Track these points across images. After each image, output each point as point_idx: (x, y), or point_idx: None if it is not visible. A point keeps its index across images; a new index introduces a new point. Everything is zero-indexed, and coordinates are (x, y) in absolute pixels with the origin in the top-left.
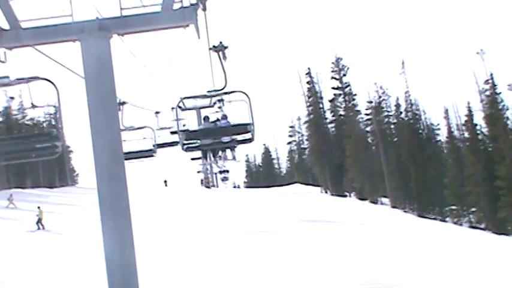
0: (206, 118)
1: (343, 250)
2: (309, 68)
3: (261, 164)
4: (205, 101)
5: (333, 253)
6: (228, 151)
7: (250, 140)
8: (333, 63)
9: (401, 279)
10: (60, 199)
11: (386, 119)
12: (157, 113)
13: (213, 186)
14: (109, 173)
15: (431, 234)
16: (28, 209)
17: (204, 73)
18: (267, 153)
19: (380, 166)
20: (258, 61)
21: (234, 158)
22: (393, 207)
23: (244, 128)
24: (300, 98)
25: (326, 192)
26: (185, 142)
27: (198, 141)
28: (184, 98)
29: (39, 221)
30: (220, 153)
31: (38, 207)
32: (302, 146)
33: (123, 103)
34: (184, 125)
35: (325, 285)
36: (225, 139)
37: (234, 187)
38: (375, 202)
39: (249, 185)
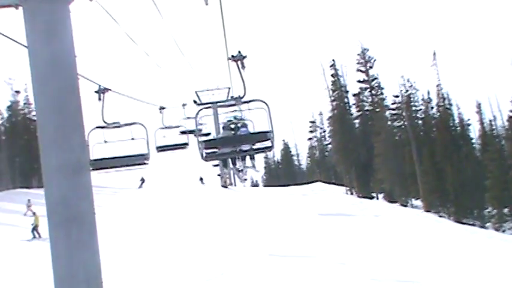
0: (225, 127)
1: (372, 254)
2: (333, 60)
3: (280, 160)
4: (222, 97)
5: (364, 259)
6: (248, 159)
7: (270, 148)
8: (358, 54)
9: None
10: None
11: (414, 114)
12: (162, 108)
13: (231, 184)
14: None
15: (472, 242)
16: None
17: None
18: (286, 149)
19: (412, 166)
20: (279, 53)
21: (253, 166)
22: (427, 211)
23: (264, 136)
24: (322, 92)
25: (351, 193)
26: (205, 151)
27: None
28: (200, 104)
29: (35, 229)
30: (239, 161)
31: (34, 213)
32: (324, 142)
33: (104, 90)
34: (200, 130)
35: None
36: (245, 147)
37: (253, 185)
38: (405, 205)
39: (268, 183)
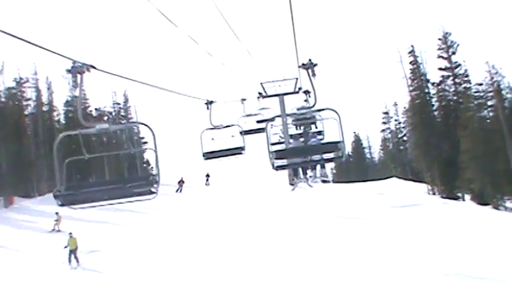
0: (296, 137)
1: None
2: (412, 46)
3: (351, 154)
4: (289, 88)
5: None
6: (318, 168)
7: (340, 158)
8: (439, 39)
9: None
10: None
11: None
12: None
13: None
14: None
15: None
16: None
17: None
18: (357, 142)
19: (506, 163)
20: (351, 40)
21: (324, 175)
22: None
23: (334, 146)
24: (399, 81)
25: (434, 193)
26: (276, 162)
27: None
28: (266, 96)
29: (72, 254)
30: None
31: (70, 234)
32: (399, 135)
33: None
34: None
35: None
36: (315, 157)
37: (323, 181)
38: (498, 208)
39: (338, 178)
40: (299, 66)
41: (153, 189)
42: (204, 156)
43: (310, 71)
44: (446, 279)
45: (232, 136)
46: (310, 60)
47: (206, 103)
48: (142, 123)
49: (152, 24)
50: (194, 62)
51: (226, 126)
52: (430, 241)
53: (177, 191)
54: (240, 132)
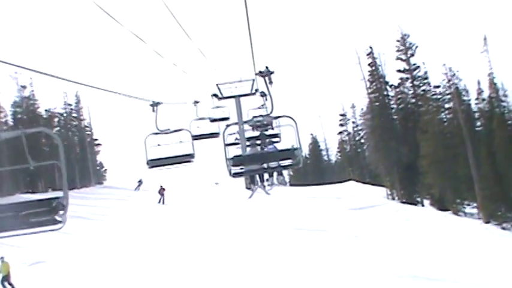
0: (252, 145)
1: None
2: (370, 47)
3: (308, 156)
4: (245, 90)
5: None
6: (275, 175)
7: (297, 165)
8: (398, 41)
9: None
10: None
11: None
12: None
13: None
14: None
15: None
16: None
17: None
18: (315, 144)
19: (467, 169)
20: (308, 41)
21: (282, 182)
22: (486, 222)
23: (291, 153)
24: (357, 83)
25: (393, 197)
26: (233, 169)
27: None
28: (222, 98)
29: (5, 281)
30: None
31: (1, 258)
32: (356, 137)
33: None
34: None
35: None
36: (272, 164)
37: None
38: (457, 213)
39: (295, 180)
40: (256, 74)
41: (58, 218)
42: (148, 164)
43: (267, 78)
44: (400, 280)
45: (181, 142)
46: (267, 67)
47: (151, 105)
48: (43, 130)
49: (97, 22)
50: (144, 62)
51: (174, 131)
52: (388, 244)
53: (159, 202)
54: (192, 137)
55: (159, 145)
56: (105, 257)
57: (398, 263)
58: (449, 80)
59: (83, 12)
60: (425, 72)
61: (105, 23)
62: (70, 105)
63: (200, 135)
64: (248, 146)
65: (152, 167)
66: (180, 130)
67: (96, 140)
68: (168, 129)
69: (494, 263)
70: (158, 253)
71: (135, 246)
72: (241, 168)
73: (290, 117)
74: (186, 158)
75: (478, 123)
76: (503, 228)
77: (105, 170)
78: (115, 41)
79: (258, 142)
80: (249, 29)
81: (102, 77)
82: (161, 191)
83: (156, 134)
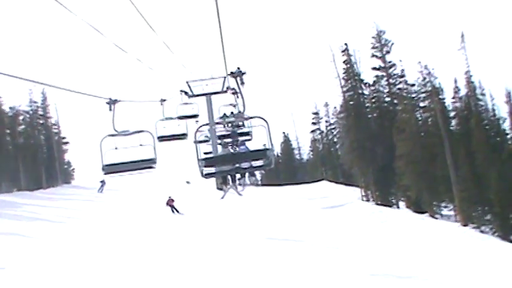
0: (224, 145)
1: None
2: (346, 44)
3: (280, 154)
4: (217, 87)
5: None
6: (247, 175)
7: (269, 165)
8: (373, 37)
9: None
10: (37, 210)
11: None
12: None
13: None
14: None
15: None
16: None
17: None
18: (287, 142)
19: (445, 170)
20: (280, 38)
21: (254, 182)
22: (464, 225)
23: (263, 153)
24: (331, 81)
25: (368, 199)
26: (204, 169)
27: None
28: (192, 96)
29: None
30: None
31: None
32: (329, 136)
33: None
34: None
35: None
36: (244, 165)
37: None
38: (434, 216)
39: (267, 179)
40: (228, 75)
41: None
42: (103, 170)
43: (238, 79)
44: (373, 279)
45: (141, 145)
46: (238, 68)
47: (108, 102)
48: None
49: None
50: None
51: (134, 132)
52: (363, 246)
53: (173, 212)
54: (159, 138)
55: (116, 148)
56: (66, 262)
57: (373, 263)
58: (424, 78)
59: (42, 7)
60: (402, 70)
61: (65, 17)
62: (36, 102)
63: (167, 136)
64: (219, 144)
65: (108, 173)
66: (140, 132)
67: (64, 138)
68: (127, 131)
69: (470, 264)
70: (121, 257)
71: (98, 250)
72: (213, 169)
73: (262, 118)
74: (147, 164)
75: (454, 123)
76: (482, 232)
77: (73, 169)
78: (77, 37)
79: (229, 140)
80: (220, 26)
81: (64, 74)
82: (169, 201)
83: (114, 135)
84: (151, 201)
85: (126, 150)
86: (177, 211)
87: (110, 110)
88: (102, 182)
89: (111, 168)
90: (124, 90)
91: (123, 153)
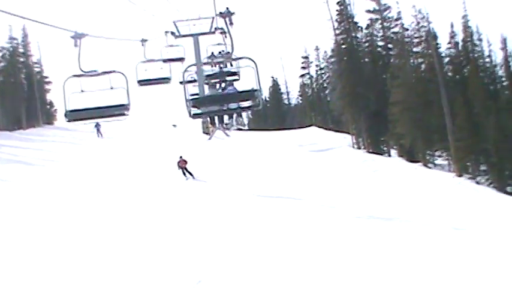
0: (212, 86)
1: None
2: None
3: (268, 99)
4: (204, 28)
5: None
6: (235, 117)
7: (257, 107)
8: None
9: None
10: (14, 152)
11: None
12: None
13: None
14: None
15: None
16: None
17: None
18: (275, 86)
19: (440, 118)
20: None
21: (241, 124)
22: (459, 175)
23: (251, 94)
24: (323, 24)
25: (359, 147)
26: (192, 110)
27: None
28: (179, 36)
29: None
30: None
31: None
32: (320, 81)
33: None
34: (190, 81)
35: None
36: (232, 106)
37: (239, 129)
38: (427, 165)
39: (255, 124)
40: (216, 15)
41: None
42: (66, 117)
43: (227, 19)
44: (357, 221)
45: (112, 88)
46: (227, 8)
47: (73, 37)
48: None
49: None
50: None
51: (104, 73)
52: (353, 192)
53: (185, 176)
54: (139, 82)
55: (82, 91)
56: (43, 207)
57: (360, 207)
58: (418, 23)
59: None
60: (399, 13)
61: None
62: (15, 39)
63: (149, 80)
64: (206, 83)
65: (71, 120)
66: (111, 72)
67: (46, 77)
68: (95, 71)
69: (458, 212)
70: (102, 203)
71: (77, 195)
72: (201, 109)
73: (250, 59)
74: (118, 110)
75: (449, 69)
76: (478, 183)
77: (56, 109)
78: None
79: (217, 80)
80: None
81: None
82: (181, 163)
83: (79, 76)
84: (139, 146)
85: (94, 94)
86: (191, 174)
87: (76, 45)
88: (97, 125)
89: (75, 115)
90: (100, 27)
91: (91, 97)
